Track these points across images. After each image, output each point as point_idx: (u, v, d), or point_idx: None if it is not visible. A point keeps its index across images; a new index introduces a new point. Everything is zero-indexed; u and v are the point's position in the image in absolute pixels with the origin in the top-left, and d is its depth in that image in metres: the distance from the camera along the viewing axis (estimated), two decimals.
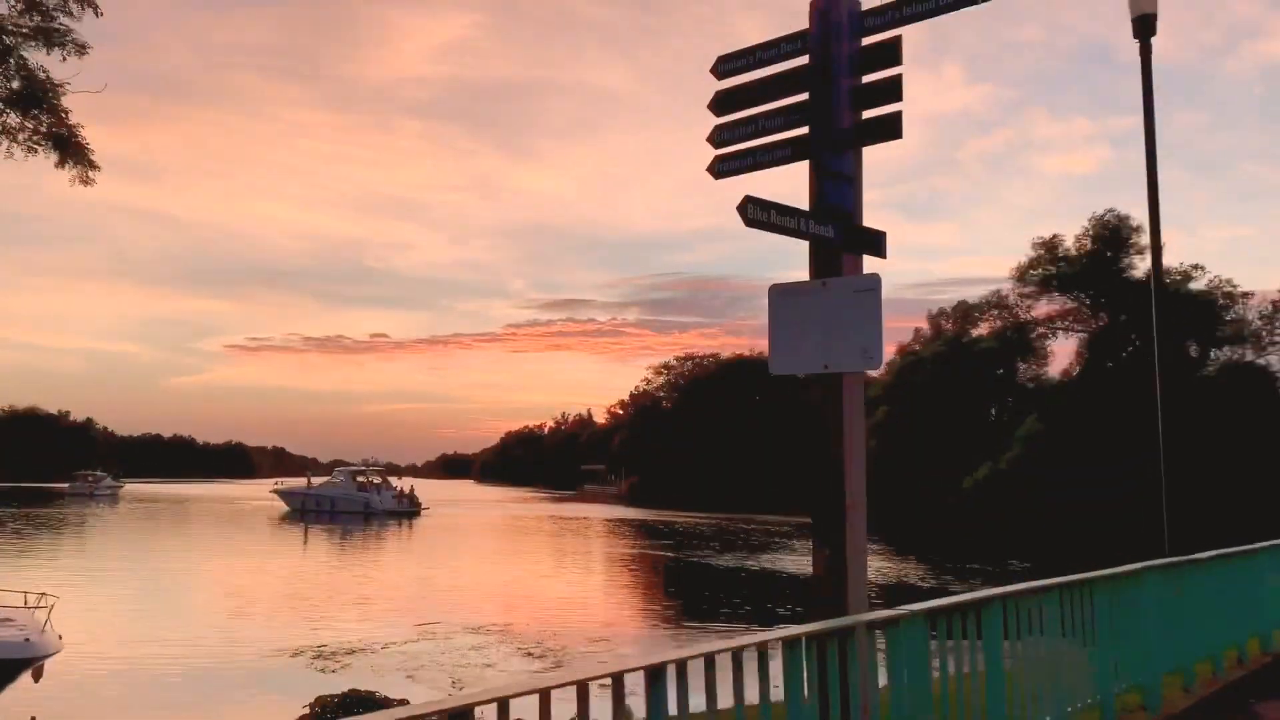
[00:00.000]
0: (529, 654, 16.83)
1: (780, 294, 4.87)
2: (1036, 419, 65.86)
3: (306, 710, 6.92)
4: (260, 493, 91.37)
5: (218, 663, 15.72)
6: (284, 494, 75.18)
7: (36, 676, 11.30)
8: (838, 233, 4.72)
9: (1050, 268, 64.68)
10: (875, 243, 4.91)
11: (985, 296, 75.69)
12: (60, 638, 11.59)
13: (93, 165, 9.71)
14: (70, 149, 9.35)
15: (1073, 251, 63.56)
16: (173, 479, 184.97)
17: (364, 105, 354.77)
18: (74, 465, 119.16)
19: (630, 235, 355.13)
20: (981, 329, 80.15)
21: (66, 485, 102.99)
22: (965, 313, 79.85)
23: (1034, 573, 28.46)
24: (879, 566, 35.19)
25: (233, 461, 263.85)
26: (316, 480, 78.27)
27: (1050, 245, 64.49)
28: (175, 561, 34.81)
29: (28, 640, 10.49)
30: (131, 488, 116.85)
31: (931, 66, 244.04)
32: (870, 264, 4.87)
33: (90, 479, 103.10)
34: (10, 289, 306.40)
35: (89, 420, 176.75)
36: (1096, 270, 63.05)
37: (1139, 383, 56.52)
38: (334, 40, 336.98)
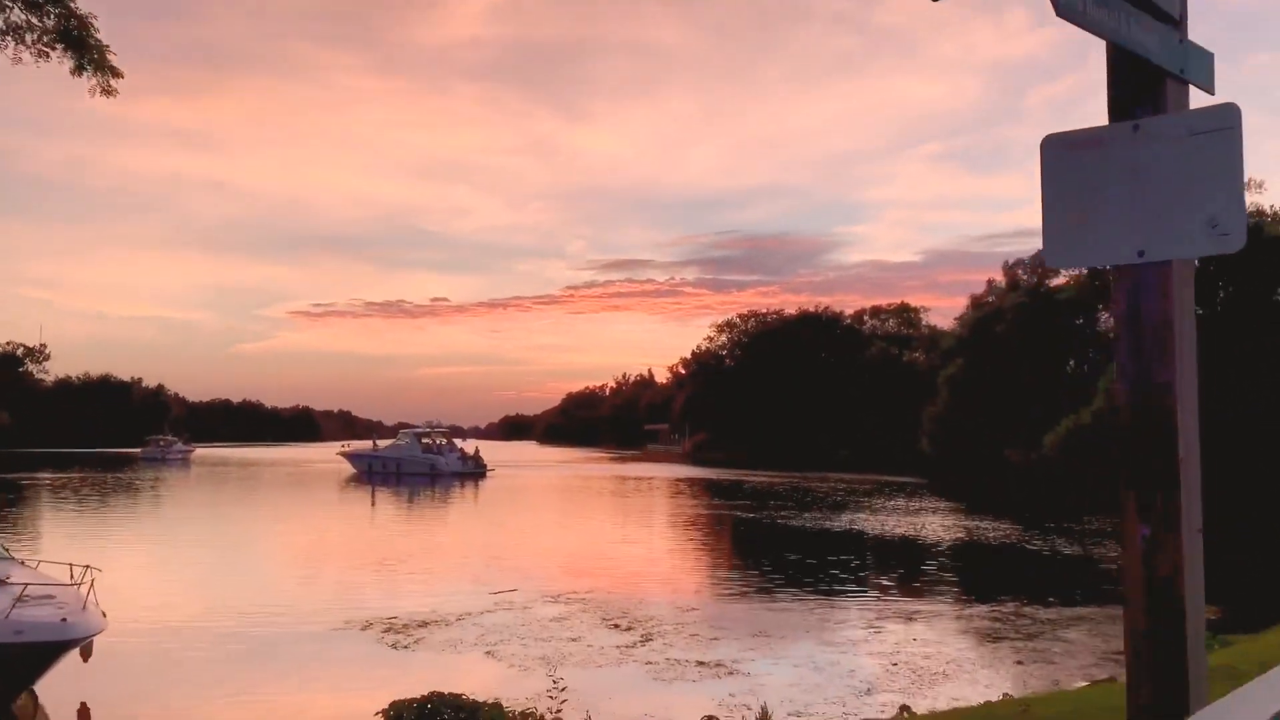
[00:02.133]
0: (615, 625, 15.53)
1: (1060, 148, 3.26)
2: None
3: (379, 718, 5.55)
4: (327, 456, 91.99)
5: (285, 635, 14.68)
6: (350, 456, 75.41)
7: (86, 656, 10.23)
8: (1161, 46, 3.12)
9: None
10: (1205, 67, 3.31)
11: None
12: (104, 615, 10.48)
13: (115, 72, 8.42)
14: (85, 49, 8.06)
15: None
16: (242, 443, 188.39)
17: (419, 70, 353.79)
18: (146, 430, 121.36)
19: (688, 194, 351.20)
20: (1062, 278, 76.90)
21: (139, 450, 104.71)
22: (1044, 260, 76.51)
23: (1112, 529, 26.14)
24: (972, 526, 33.41)
25: (300, 425, 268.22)
26: (382, 443, 78.24)
27: None
28: (245, 526, 34.33)
29: (64, 620, 9.36)
30: (202, 452, 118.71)
31: (993, 11, 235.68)
32: (1196, 99, 3.28)
33: (162, 443, 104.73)
34: (82, 260, 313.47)
35: (160, 386, 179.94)
36: None
37: (1229, 330, 53.33)
38: (388, 5, 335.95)
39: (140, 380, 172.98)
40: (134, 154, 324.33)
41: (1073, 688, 11.47)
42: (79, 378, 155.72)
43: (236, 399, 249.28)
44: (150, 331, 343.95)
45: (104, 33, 8.31)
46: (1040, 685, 12.25)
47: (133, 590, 18.47)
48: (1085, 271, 73.13)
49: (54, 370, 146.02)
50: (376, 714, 5.95)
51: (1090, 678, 12.29)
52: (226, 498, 49.00)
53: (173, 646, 13.96)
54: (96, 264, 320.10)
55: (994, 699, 10.35)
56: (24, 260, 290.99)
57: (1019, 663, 13.56)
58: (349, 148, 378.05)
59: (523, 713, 6.15)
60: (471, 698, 6.14)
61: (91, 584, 10.53)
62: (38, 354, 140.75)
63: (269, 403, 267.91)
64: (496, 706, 5.99)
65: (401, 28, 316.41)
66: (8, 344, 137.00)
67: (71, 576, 10.70)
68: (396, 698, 6.14)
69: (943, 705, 11.21)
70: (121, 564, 23.07)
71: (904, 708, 7.15)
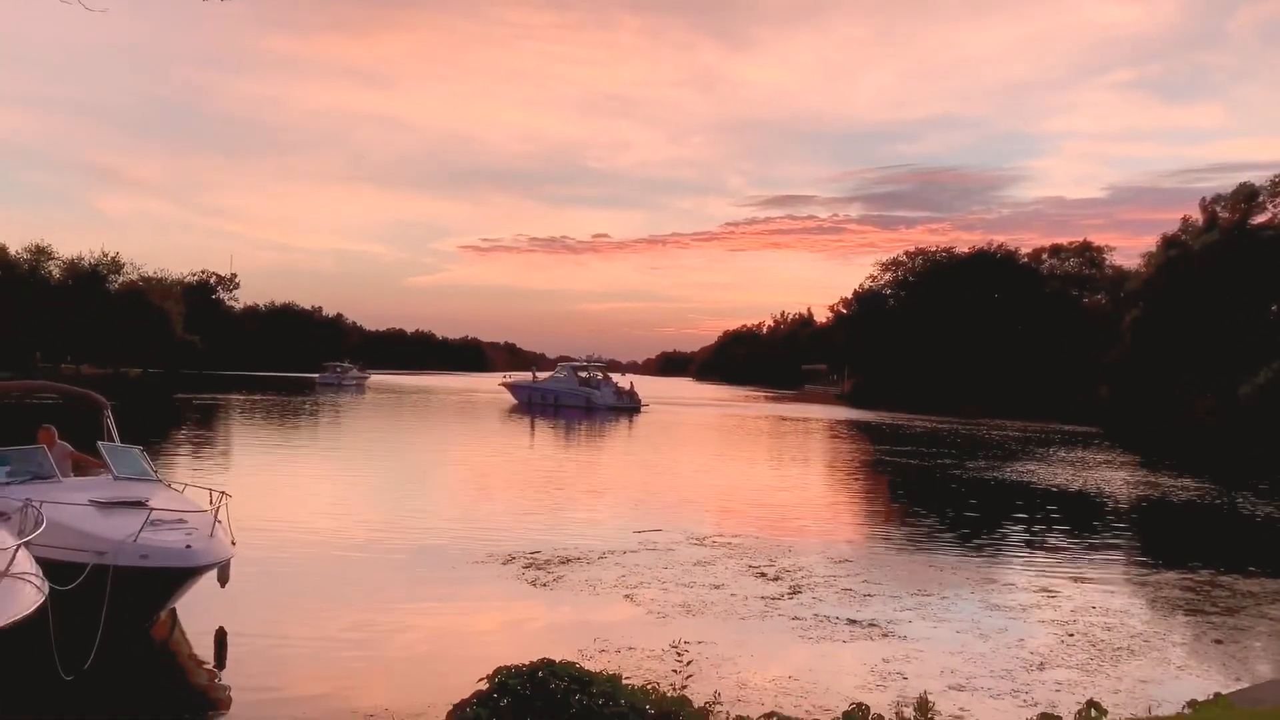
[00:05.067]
0: (761, 574, 14.77)
1: None
2: None
3: (484, 684, 4.94)
4: (492, 385, 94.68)
5: (428, 565, 14.63)
6: (511, 387, 77.17)
7: (223, 581, 10.20)
8: None
9: None
10: None
11: (1278, 175, 65.82)
12: (234, 543, 10.40)
13: None
14: None
15: None
16: (414, 371, 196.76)
17: (584, 2, 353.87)
18: (326, 357, 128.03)
19: (854, 126, 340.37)
20: (1266, 215, 70.27)
21: (317, 375, 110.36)
22: (1249, 196, 70.01)
23: None
24: (1157, 482, 30.93)
25: (469, 356, 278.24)
26: (541, 375, 79.69)
27: None
28: (409, 451, 35.30)
29: (188, 547, 9.24)
30: (377, 378, 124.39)
31: None
32: None
33: (339, 370, 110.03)
34: (266, 194, 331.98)
35: (339, 315, 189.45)
36: None
37: None
38: None
39: (320, 309, 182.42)
40: (312, 91, 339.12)
41: None
42: (265, 306, 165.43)
43: (409, 329, 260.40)
44: (329, 263, 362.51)
45: None
46: (1244, 671, 10.77)
47: (289, 510, 18.96)
48: None
49: (242, 298, 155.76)
50: (480, 679, 5.36)
51: None
52: (395, 424, 50.80)
53: (315, 568, 14.08)
54: (280, 198, 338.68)
55: (1196, 693, 9.03)
56: (217, 193, 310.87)
57: (1218, 642, 12.04)
58: (515, 83, 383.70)
59: (643, 686, 5.44)
60: (585, 668, 5.47)
61: (216, 510, 10.47)
62: (228, 282, 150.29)
63: (439, 333, 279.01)
64: (614, 680, 5.30)
65: None
66: (202, 273, 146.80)
67: (211, 501, 10.68)
68: (503, 664, 5.53)
69: (1128, 686, 9.97)
70: (283, 484, 23.91)
71: (1091, 703, 6.08)
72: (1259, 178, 72.17)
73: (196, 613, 10.69)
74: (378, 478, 26.39)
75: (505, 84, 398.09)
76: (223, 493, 10.89)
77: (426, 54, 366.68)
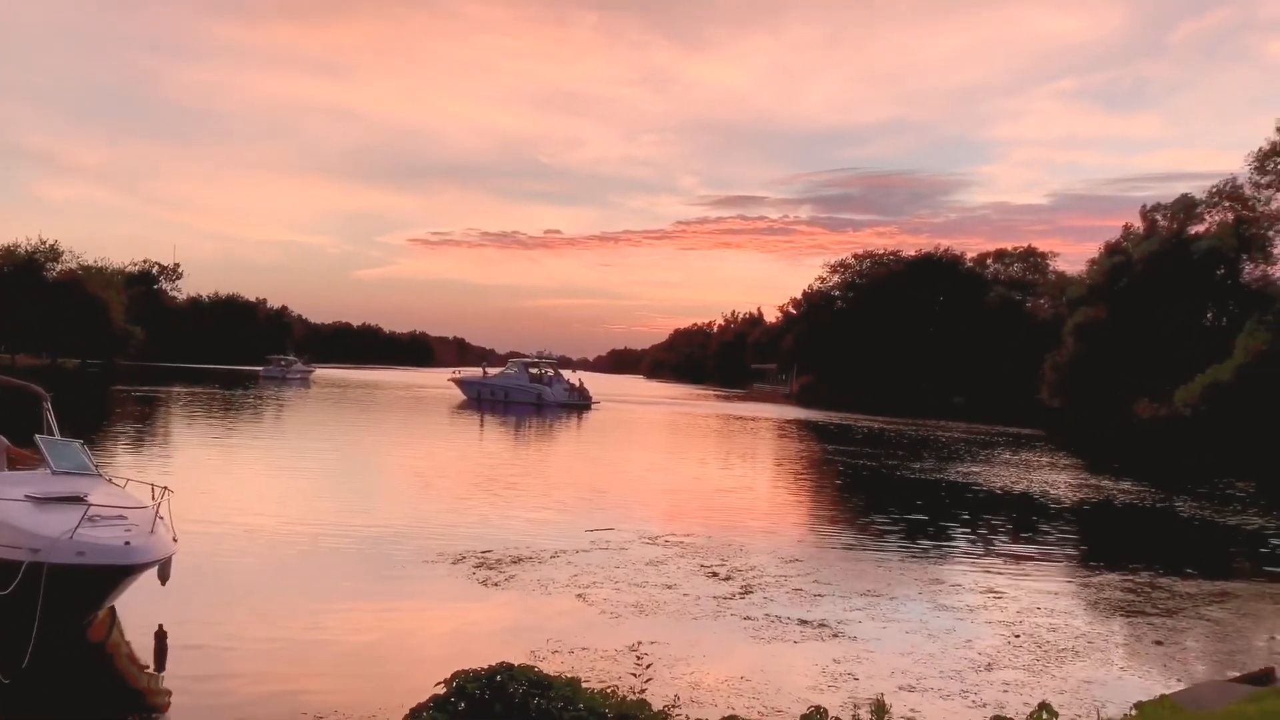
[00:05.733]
0: (713, 573, 14.78)
1: None
2: (1262, 325, 58.80)
3: (441, 688, 4.84)
4: (440, 381, 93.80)
5: (376, 562, 14.39)
6: (461, 383, 76.48)
7: (164, 579, 9.94)
8: None
9: None
10: None
11: (1215, 187, 67.69)
12: (175, 539, 10.13)
13: None
14: None
15: None
16: (360, 365, 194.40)
17: None
18: (270, 350, 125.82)
19: (805, 129, 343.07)
20: (1203, 225, 72.06)
21: (261, 369, 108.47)
22: (1187, 206, 71.74)
23: (1264, 496, 24.12)
24: (1098, 484, 31.56)
25: (417, 350, 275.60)
26: (492, 371, 79.08)
27: None
28: (354, 447, 34.80)
29: (127, 544, 8.98)
30: (322, 372, 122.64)
31: None
32: None
33: (284, 363, 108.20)
34: (212, 184, 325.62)
35: (284, 308, 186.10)
36: None
37: None
38: None
39: (265, 301, 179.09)
40: (263, 80, 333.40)
41: (1225, 678, 10.22)
42: (209, 297, 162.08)
43: (356, 322, 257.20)
44: (276, 254, 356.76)
45: None
46: (1184, 672, 11.01)
47: (232, 506, 18.57)
48: (1231, 218, 68.19)
49: (185, 289, 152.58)
50: (438, 684, 5.25)
51: (1243, 667, 10.99)
52: (340, 418, 50.09)
53: (259, 565, 13.79)
54: (227, 187, 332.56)
55: (1140, 694, 9.18)
56: (161, 181, 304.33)
57: (1158, 643, 12.29)
58: (468, 76, 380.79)
59: (602, 690, 5.37)
60: (542, 671, 5.39)
61: (157, 506, 10.19)
62: (171, 272, 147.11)
63: (387, 327, 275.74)
64: (573, 683, 5.22)
65: None
66: (144, 262, 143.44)
67: (153, 497, 10.39)
68: (457, 666, 5.42)
69: (1074, 687, 10.13)
70: (225, 479, 23.43)
71: (1043, 705, 6.13)
72: (1196, 188, 74.41)
73: (136, 611, 10.39)
74: (323, 474, 25.97)
75: (458, 77, 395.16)
76: (165, 488, 10.60)
77: (379, 45, 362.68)
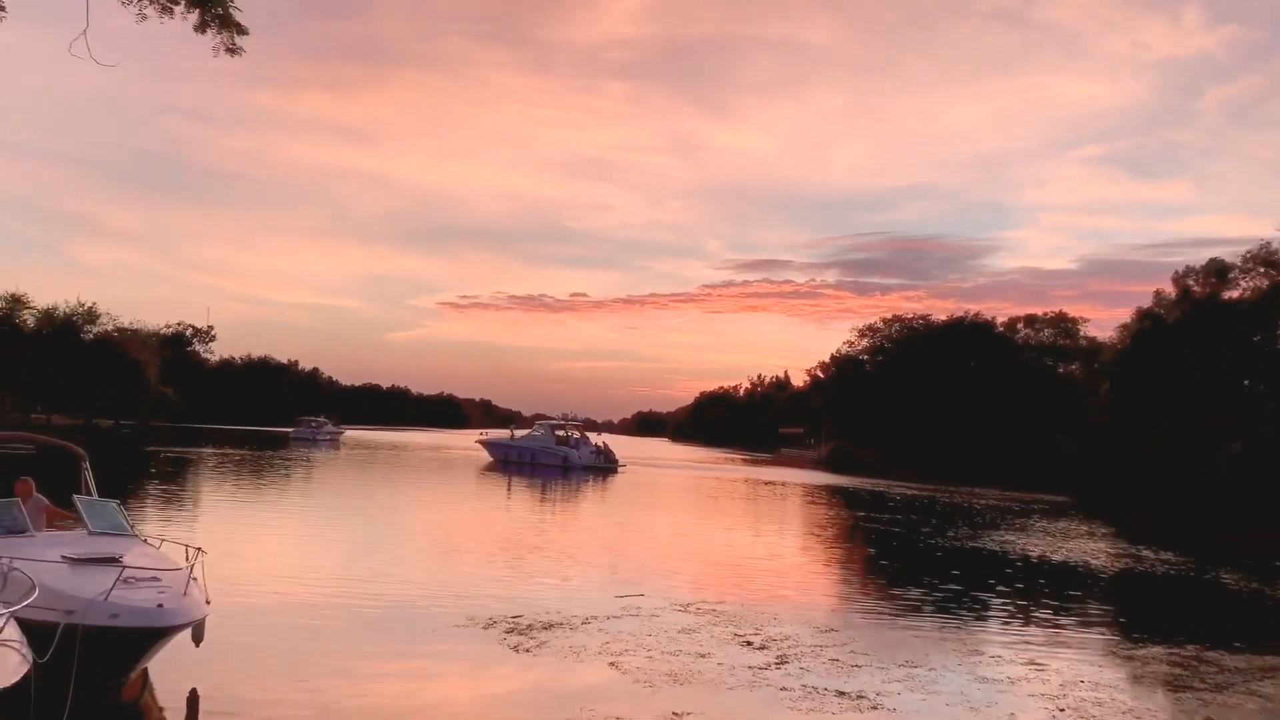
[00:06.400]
0: (748, 642, 14.52)
1: None
2: None
3: None
4: (467, 442, 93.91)
5: (407, 627, 14.27)
6: (488, 444, 76.57)
7: (197, 640, 9.90)
8: None
9: None
10: None
11: (1249, 252, 67.22)
12: (208, 601, 10.11)
13: (240, 29, 7.93)
14: (211, 2, 7.58)
15: None
16: (389, 427, 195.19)
17: (568, 68, 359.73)
18: (301, 411, 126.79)
19: (831, 194, 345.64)
20: (1237, 290, 71.53)
21: (291, 430, 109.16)
22: (1219, 271, 71.28)
23: None
24: (1136, 552, 30.89)
25: (444, 412, 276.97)
26: (519, 433, 79.11)
27: None
28: (384, 508, 34.78)
29: (160, 606, 8.97)
30: (352, 434, 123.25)
31: (1167, 8, 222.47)
32: None
33: (314, 424, 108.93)
34: (246, 246, 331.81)
35: (315, 370, 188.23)
36: None
37: None
38: (540, 4, 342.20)
39: (297, 363, 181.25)
40: (296, 146, 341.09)
41: None
42: (241, 358, 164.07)
43: (385, 384, 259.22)
44: (307, 317, 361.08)
45: (259, 28, 7.89)
46: None
47: (264, 568, 18.55)
48: (1265, 284, 67.61)
49: (218, 351, 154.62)
50: None
51: None
52: (369, 480, 50.17)
53: (291, 628, 13.72)
54: (260, 251, 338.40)
55: None
56: (196, 246, 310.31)
57: (1208, 719, 11.89)
58: (498, 143, 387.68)
59: None
60: None
61: (191, 567, 10.18)
62: (205, 335, 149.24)
63: (415, 389, 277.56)
64: None
65: (554, 26, 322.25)
66: (178, 324, 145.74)
67: (187, 558, 10.40)
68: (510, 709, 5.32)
69: None
70: (257, 540, 23.45)
71: None
72: (1227, 253, 73.76)
73: (169, 673, 10.35)
74: (354, 536, 25.94)
75: (487, 144, 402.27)
76: (199, 549, 10.61)
77: (409, 113, 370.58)
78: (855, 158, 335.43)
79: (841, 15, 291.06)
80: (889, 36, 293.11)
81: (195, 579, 10.12)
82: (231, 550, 20.38)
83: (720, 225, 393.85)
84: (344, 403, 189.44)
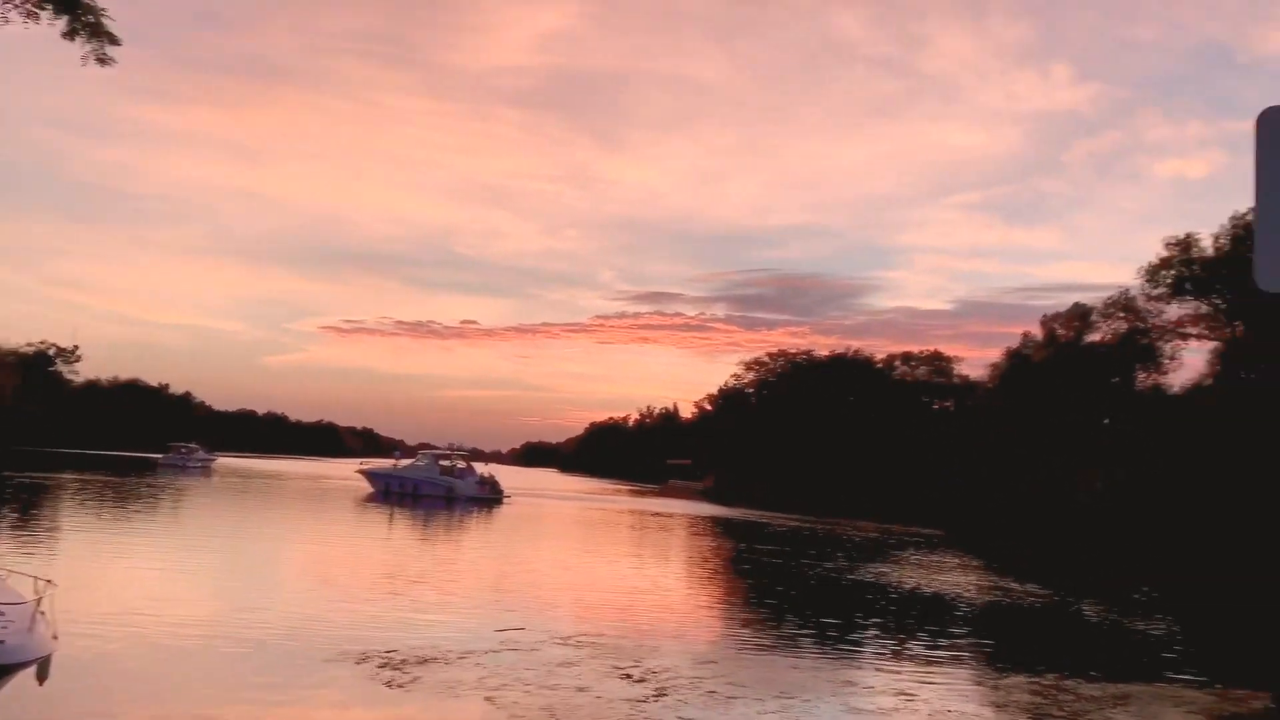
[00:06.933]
0: (627, 675, 14.48)
1: None
2: (1154, 432, 61.36)
3: None
4: (347, 472, 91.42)
5: (274, 661, 13.75)
6: (369, 474, 74.59)
7: (41, 679, 9.32)
8: None
9: (1184, 269, 59.92)
10: None
11: (1110, 298, 70.97)
12: (55, 637, 9.56)
13: (111, 38, 7.61)
14: (78, 8, 7.25)
15: (1210, 252, 58.77)
16: (265, 454, 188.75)
17: (463, 93, 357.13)
18: (172, 437, 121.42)
19: (721, 230, 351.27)
20: (1099, 334, 75.43)
21: (160, 456, 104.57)
22: (1083, 315, 75.12)
23: (1160, 597, 24.95)
24: (1002, 584, 32.07)
25: (324, 440, 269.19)
26: (402, 462, 77.41)
27: (1185, 244, 59.80)
28: (255, 539, 33.55)
29: (1, 643, 8.44)
30: (225, 461, 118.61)
31: (1039, 64, 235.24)
32: None
33: (184, 450, 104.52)
34: (117, 263, 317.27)
35: (188, 394, 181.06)
36: (1235, 274, 58.29)
37: (1272, 399, 51.71)
38: (436, 27, 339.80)
39: (167, 386, 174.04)
40: (176, 161, 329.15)
41: None
42: (108, 380, 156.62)
43: (262, 410, 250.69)
44: (182, 339, 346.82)
45: (142, 39, 7.61)
46: None
47: (121, 601, 17.63)
48: (1124, 328, 71.66)
49: (84, 372, 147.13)
50: None
51: None
52: (241, 509, 48.34)
53: (147, 665, 13.07)
54: (134, 269, 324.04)
55: None
56: (63, 262, 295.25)
57: None
58: (388, 166, 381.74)
59: None
60: None
61: (38, 600, 9.61)
62: (69, 355, 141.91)
63: (294, 415, 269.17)
64: None
65: (448, 51, 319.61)
66: (41, 343, 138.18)
67: (35, 591, 9.80)
68: None
69: None
70: (114, 573, 22.29)
71: None
72: (1090, 298, 77.85)
73: (10, 713, 9.71)
74: (220, 568, 24.91)
75: (378, 166, 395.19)
76: (48, 581, 10.02)
77: (298, 131, 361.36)
78: (745, 195, 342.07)
79: (733, 56, 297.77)
80: (779, 79, 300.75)
81: (43, 613, 9.55)
82: (87, 582, 19.33)
83: (614, 256, 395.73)
84: (218, 429, 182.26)
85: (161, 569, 23.85)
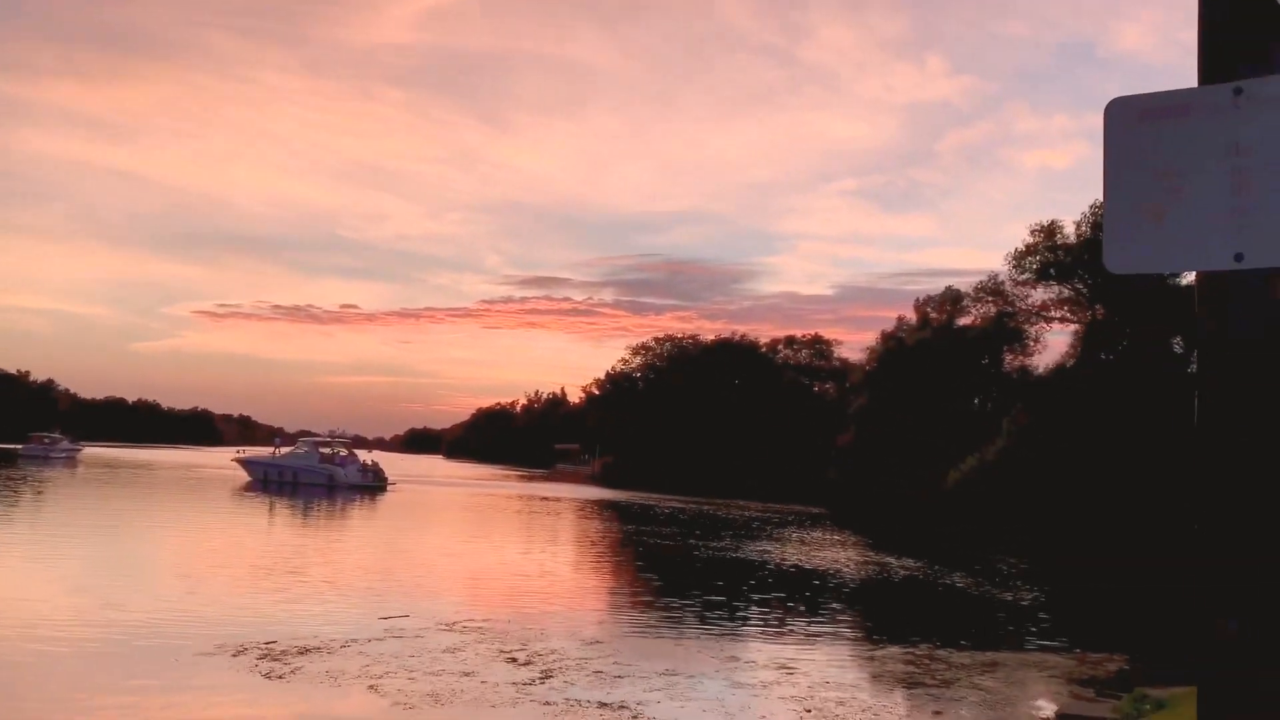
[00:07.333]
0: (513, 658, 14.47)
1: (1132, 117, 2.46)
2: (1022, 412, 64.27)
3: None
4: (223, 461, 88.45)
5: (146, 658, 13.25)
6: (246, 463, 72.32)
7: None
8: None
9: (1049, 255, 62.83)
10: None
11: (980, 283, 73.92)
12: None
13: None
14: None
15: (1072, 239, 61.78)
16: (136, 444, 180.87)
17: (345, 71, 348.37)
18: (34, 426, 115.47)
19: (609, 215, 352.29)
20: (970, 318, 78.50)
21: (20, 447, 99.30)
22: (954, 299, 78.07)
23: (1027, 569, 26.33)
24: (879, 561, 33.15)
25: (198, 428, 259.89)
26: (281, 450, 75.24)
27: (1049, 231, 62.75)
28: (123, 532, 32.15)
29: None
30: (92, 451, 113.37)
31: (914, 57, 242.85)
32: None
33: (46, 441, 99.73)
34: None
35: (50, 381, 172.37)
36: (1096, 259, 61.42)
37: (1130, 378, 54.72)
38: (314, 3, 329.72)
39: (28, 373, 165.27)
40: (37, 138, 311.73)
41: None
42: None
43: (132, 398, 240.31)
44: (44, 324, 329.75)
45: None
46: None
47: None
48: (993, 312, 74.77)
49: None
50: None
51: None
52: (106, 501, 46.23)
53: (5, 669, 12.42)
54: None
55: None
56: None
57: (937, 713, 12.93)
58: (266, 146, 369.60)
59: None
60: None
61: None
62: None
63: (166, 403, 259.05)
64: None
65: (328, 27, 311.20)
66: None
67: None
68: None
69: None
70: None
71: None
72: (962, 283, 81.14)
73: None
74: (85, 562, 23.81)
75: (255, 146, 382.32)
76: None
77: (169, 108, 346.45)
78: (632, 180, 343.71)
79: (618, 41, 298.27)
80: (665, 65, 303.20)
81: None
82: None
83: (501, 240, 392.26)
84: (84, 418, 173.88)
85: (21, 563, 22.66)
